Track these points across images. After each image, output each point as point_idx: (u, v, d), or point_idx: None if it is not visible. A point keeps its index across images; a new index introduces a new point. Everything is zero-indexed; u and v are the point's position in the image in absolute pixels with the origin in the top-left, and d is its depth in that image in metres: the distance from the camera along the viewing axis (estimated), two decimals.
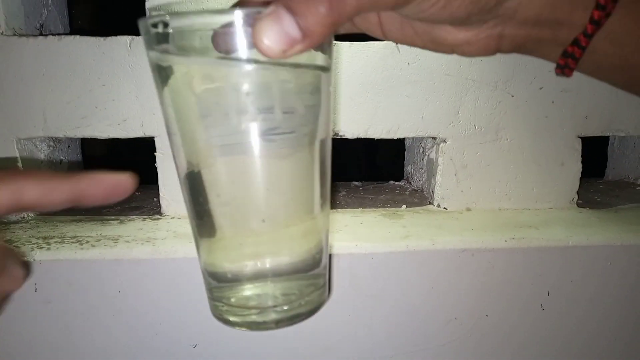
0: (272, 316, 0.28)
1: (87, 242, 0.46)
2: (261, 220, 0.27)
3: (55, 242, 0.46)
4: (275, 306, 0.28)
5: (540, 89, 0.56)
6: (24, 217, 0.53)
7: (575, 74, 0.56)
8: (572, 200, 0.59)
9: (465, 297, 0.48)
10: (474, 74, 0.55)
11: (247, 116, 0.25)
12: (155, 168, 0.54)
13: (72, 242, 0.46)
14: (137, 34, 0.50)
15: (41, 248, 0.45)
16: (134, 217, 0.55)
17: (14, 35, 0.51)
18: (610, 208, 0.60)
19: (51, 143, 0.58)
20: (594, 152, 0.75)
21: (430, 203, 0.60)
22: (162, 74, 0.26)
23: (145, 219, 0.53)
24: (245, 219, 0.27)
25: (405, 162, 0.74)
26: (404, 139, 0.73)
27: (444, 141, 0.56)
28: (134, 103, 0.51)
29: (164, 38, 0.25)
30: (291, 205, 0.28)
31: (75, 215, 0.55)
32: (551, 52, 0.29)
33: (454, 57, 0.54)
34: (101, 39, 0.50)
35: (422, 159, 0.65)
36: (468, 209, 0.57)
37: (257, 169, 0.26)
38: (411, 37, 0.30)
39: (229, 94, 0.25)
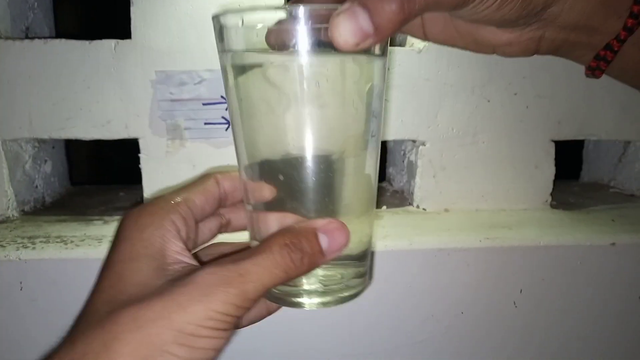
0: (318, 298, 0.31)
1: (72, 241, 0.47)
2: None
3: (41, 241, 0.47)
4: (320, 288, 0.31)
5: (515, 94, 0.58)
6: (9, 217, 0.54)
7: (550, 80, 0.58)
8: (546, 201, 0.61)
9: (441, 295, 0.50)
10: (452, 79, 0.56)
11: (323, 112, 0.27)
12: (139, 169, 0.54)
13: (57, 242, 0.47)
14: (123, 37, 0.51)
15: (26, 247, 0.45)
16: (118, 217, 0.55)
17: (0, 38, 0.52)
18: (582, 209, 0.63)
19: (36, 144, 0.58)
20: (570, 155, 0.77)
21: (410, 204, 0.61)
22: (238, 71, 0.29)
23: None
24: (306, 210, 0.29)
25: (386, 164, 0.76)
26: (385, 141, 0.74)
27: (423, 144, 0.58)
28: (118, 105, 0.52)
29: (235, 34, 0.28)
30: (350, 199, 0.30)
31: (59, 216, 0.56)
32: (584, 55, 0.31)
33: (432, 63, 0.56)
34: (86, 42, 0.51)
35: (403, 161, 0.66)
36: (446, 210, 0.59)
37: (327, 164, 0.29)
38: (453, 37, 0.32)
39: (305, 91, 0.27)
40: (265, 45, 0.27)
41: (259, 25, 0.27)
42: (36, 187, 0.59)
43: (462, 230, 0.52)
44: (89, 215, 0.56)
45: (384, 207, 0.61)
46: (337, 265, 0.31)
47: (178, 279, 0.26)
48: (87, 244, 0.46)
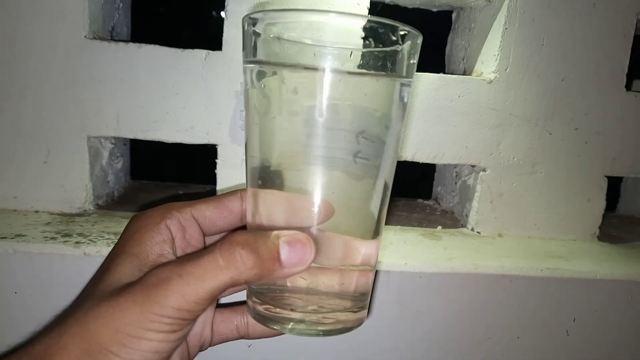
0: (304, 326, 0.29)
1: None
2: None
3: None
4: (309, 317, 0.29)
5: (576, 129, 0.60)
6: (86, 210, 0.56)
7: (610, 118, 0.60)
8: (594, 234, 0.64)
9: (499, 319, 0.53)
10: (518, 110, 0.59)
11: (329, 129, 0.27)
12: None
13: None
14: (213, 48, 0.54)
15: None
16: None
17: (95, 38, 0.54)
18: (627, 243, 0.65)
19: (113, 141, 0.60)
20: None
21: (463, 226, 0.64)
22: (259, 78, 0.29)
23: None
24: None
25: (434, 182, 0.78)
26: None
27: (484, 170, 0.60)
28: (202, 112, 0.55)
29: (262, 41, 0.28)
30: (347, 224, 0.29)
31: (133, 212, 0.58)
32: None
33: (501, 94, 0.58)
34: (179, 50, 0.53)
35: (456, 183, 0.69)
36: (500, 235, 0.61)
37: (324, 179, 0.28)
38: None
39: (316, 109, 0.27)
40: (288, 56, 0.27)
41: (285, 35, 0.27)
42: (108, 182, 0.61)
43: (522, 258, 0.54)
44: None
45: (439, 227, 0.63)
46: (332, 296, 0.30)
47: (137, 280, 0.26)
48: None
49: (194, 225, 0.30)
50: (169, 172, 1.25)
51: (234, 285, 0.26)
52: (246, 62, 0.30)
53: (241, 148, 0.56)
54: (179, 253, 0.30)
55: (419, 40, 0.29)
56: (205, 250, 0.26)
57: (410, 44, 0.28)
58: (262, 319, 0.30)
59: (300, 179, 0.28)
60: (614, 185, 0.83)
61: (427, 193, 0.80)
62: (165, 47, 0.53)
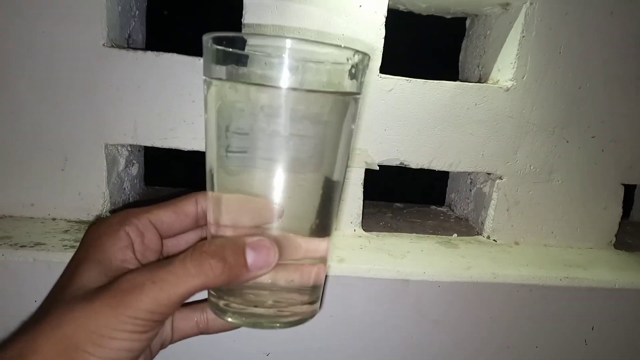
0: (260, 320, 0.31)
1: None
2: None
3: None
4: (264, 311, 0.31)
5: (593, 137, 0.60)
6: (102, 217, 0.56)
7: (627, 126, 0.60)
8: (611, 242, 0.63)
9: (518, 328, 0.52)
10: (535, 118, 0.58)
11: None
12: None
13: None
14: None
15: None
16: None
17: (113, 46, 0.54)
18: None
19: (129, 148, 0.61)
20: None
21: (479, 233, 0.63)
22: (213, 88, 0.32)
23: None
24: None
25: (448, 189, 0.78)
26: None
27: (500, 178, 0.60)
28: None
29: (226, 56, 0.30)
30: (299, 222, 0.31)
31: None
32: None
33: (518, 102, 0.58)
34: (196, 58, 0.53)
35: (470, 190, 0.68)
36: (516, 243, 0.61)
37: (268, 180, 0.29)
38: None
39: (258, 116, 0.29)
40: (243, 71, 0.30)
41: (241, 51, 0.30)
42: (124, 189, 0.61)
43: (540, 267, 0.54)
44: None
45: (455, 235, 0.63)
46: (288, 290, 0.31)
47: (107, 284, 0.28)
48: None
49: (151, 230, 0.32)
50: (178, 177, 1.25)
51: (203, 290, 0.28)
52: (208, 77, 0.32)
53: None
54: (139, 257, 0.31)
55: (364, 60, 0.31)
56: (175, 258, 0.28)
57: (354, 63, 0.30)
58: (222, 313, 0.31)
59: (254, 183, 0.30)
60: (627, 192, 0.82)
61: (440, 199, 0.80)
62: (182, 55, 0.53)
